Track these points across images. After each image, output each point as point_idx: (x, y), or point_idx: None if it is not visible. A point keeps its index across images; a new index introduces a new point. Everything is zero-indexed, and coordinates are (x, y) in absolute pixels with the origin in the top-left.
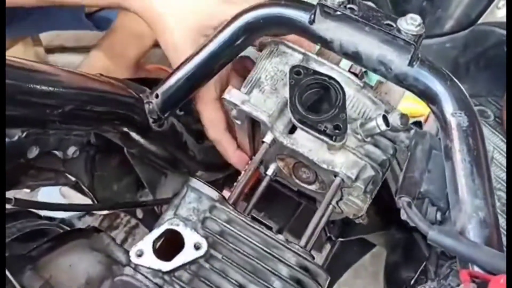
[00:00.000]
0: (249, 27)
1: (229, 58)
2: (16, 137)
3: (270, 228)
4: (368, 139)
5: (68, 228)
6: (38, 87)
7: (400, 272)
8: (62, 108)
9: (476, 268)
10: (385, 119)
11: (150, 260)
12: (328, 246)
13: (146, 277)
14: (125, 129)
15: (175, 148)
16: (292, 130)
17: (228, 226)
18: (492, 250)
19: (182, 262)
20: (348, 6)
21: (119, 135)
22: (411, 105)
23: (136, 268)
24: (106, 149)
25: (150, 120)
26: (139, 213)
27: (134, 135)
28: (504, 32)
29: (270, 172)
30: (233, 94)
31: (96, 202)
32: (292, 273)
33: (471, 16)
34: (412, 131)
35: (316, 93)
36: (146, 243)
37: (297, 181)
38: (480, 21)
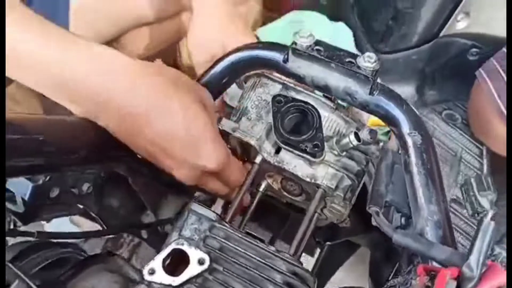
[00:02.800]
0: (233, 67)
1: (217, 95)
2: (40, 181)
3: (262, 241)
4: (344, 154)
5: (83, 253)
6: (54, 138)
7: (382, 270)
8: (78, 153)
9: (435, 264)
10: (356, 135)
11: (161, 277)
12: (318, 250)
13: None
14: (133, 164)
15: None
16: (278, 150)
17: (226, 242)
18: (446, 247)
19: (189, 276)
20: (316, 47)
21: (126, 168)
22: None
23: (149, 285)
24: (112, 179)
25: None
26: (144, 233)
27: (139, 167)
28: (465, 41)
29: (261, 188)
30: (224, 123)
31: (105, 227)
32: (284, 279)
33: (434, 30)
34: (381, 144)
35: (296, 117)
36: (156, 262)
37: (285, 193)
38: (442, 33)
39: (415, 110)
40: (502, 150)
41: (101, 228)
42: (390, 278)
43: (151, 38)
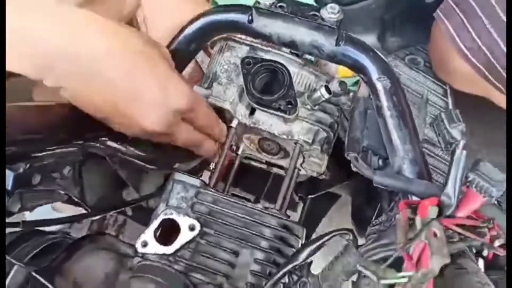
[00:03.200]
0: (199, 34)
1: (186, 62)
2: (21, 169)
3: (249, 200)
4: (316, 107)
5: (71, 237)
6: (28, 123)
7: (364, 213)
8: (53, 138)
9: (414, 198)
10: (327, 88)
11: (154, 248)
12: (301, 205)
13: (154, 261)
14: (109, 143)
15: (151, 148)
16: (252, 111)
17: (213, 205)
18: (423, 181)
19: (181, 243)
20: (278, 4)
21: (103, 148)
22: None
23: (143, 256)
24: (89, 160)
25: None
26: (128, 210)
27: (114, 145)
28: None
29: (240, 151)
30: (197, 90)
31: (88, 209)
32: (274, 233)
33: None
34: (351, 94)
35: (266, 76)
36: (148, 234)
37: (264, 154)
38: None
39: (381, 55)
40: (463, 86)
41: (84, 212)
42: (373, 219)
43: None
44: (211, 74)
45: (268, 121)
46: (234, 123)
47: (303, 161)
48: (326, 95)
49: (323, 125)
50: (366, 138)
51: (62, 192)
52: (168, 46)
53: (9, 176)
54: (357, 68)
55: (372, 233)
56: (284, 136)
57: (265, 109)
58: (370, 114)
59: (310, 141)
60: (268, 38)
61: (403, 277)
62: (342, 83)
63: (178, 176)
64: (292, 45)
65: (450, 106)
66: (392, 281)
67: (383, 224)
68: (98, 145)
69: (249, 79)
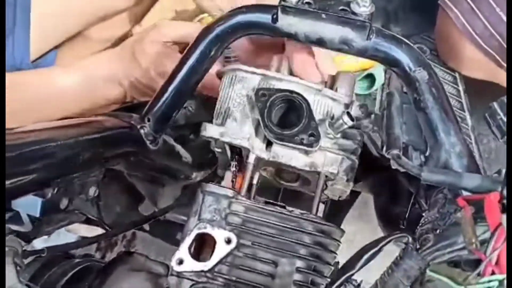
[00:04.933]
0: (219, 38)
1: (207, 69)
2: (49, 195)
3: (283, 207)
4: (338, 135)
5: (96, 260)
6: (51, 144)
7: (391, 210)
8: (77, 159)
9: (465, 193)
10: (349, 115)
11: (190, 265)
12: (322, 207)
13: (191, 280)
14: (131, 158)
15: (170, 159)
16: (269, 143)
17: (247, 215)
18: (475, 175)
19: (218, 258)
20: (305, 1)
21: (123, 163)
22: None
23: (180, 275)
24: (105, 177)
25: (147, 142)
26: (146, 225)
27: (137, 160)
28: None
29: (255, 181)
30: (209, 130)
31: (106, 226)
32: (314, 239)
33: None
34: (373, 116)
35: (282, 107)
36: (182, 251)
37: (282, 182)
38: None
39: (415, 47)
40: (473, 72)
41: (97, 229)
42: (407, 215)
43: (115, 27)
44: (223, 110)
45: (287, 154)
46: (251, 159)
47: (326, 188)
48: (350, 123)
49: (346, 153)
50: (405, 133)
51: (81, 214)
52: (188, 50)
53: (37, 202)
54: (390, 61)
55: (424, 233)
56: (307, 168)
57: (287, 144)
58: (406, 109)
59: (335, 171)
60: (294, 37)
61: (492, 281)
62: (363, 106)
63: (209, 187)
64: (319, 43)
65: (462, 93)
66: (478, 287)
67: (436, 223)
68: (122, 161)
69: (265, 113)
